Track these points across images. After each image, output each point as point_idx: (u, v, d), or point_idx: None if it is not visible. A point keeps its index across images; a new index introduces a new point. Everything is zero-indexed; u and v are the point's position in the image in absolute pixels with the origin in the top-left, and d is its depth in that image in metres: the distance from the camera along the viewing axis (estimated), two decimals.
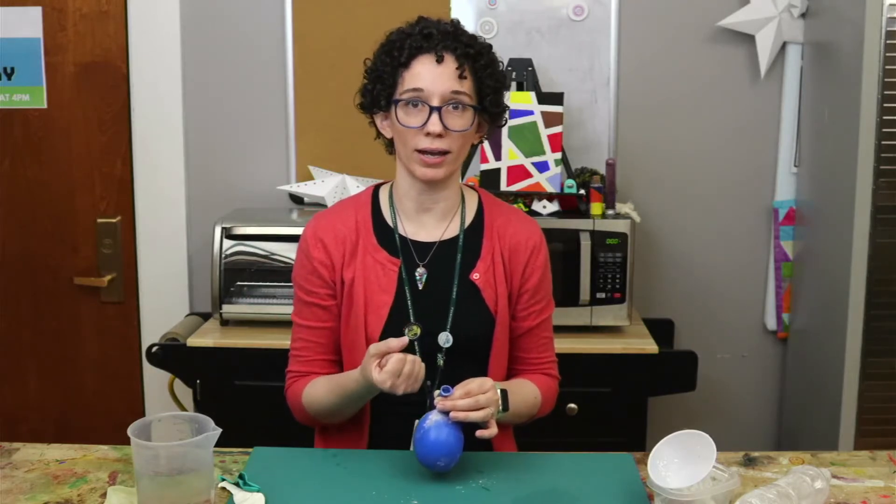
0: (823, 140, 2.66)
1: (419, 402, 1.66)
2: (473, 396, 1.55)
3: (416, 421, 1.64)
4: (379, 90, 1.71)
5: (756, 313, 3.00)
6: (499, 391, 1.62)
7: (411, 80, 1.67)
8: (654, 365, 2.48)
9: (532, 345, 1.82)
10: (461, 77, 1.67)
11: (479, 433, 1.56)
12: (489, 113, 1.74)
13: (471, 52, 1.68)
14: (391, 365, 1.55)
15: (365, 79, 1.76)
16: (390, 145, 1.78)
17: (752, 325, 3.01)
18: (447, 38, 1.68)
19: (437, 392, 1.57)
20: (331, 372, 1.79)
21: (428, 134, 1.66)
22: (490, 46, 1.74)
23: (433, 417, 1.55)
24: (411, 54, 1.68)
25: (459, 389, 1.56)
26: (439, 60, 1.66)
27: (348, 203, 1.85)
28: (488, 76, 1.71)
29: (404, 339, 1.57)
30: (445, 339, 1.74)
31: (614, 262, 2.51)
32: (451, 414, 1.54)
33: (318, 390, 1.75)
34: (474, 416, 1.55)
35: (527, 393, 1.77)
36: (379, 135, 1.79)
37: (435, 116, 1.66)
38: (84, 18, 2.86)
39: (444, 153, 1.68)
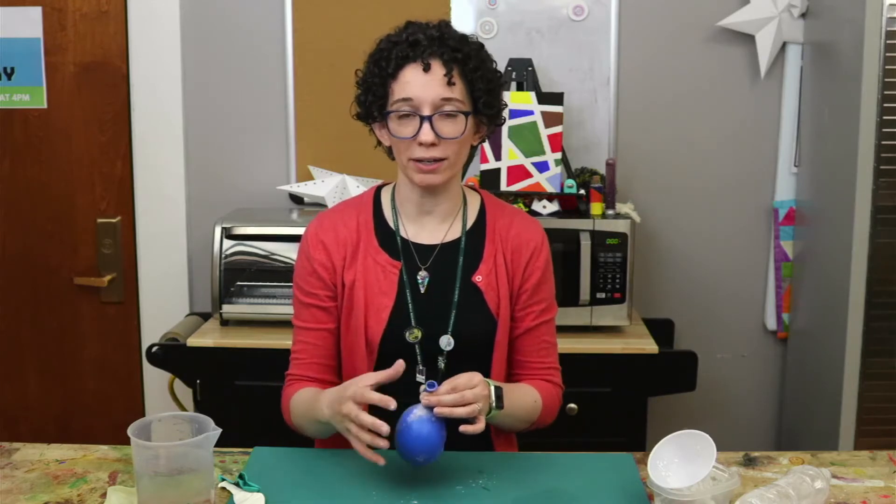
0: (823, 140, 2.66)
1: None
2: (460, 392, 1.53)
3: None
4: (371, 101, 1.71)
5: (756, 313, 3.00)
6: (493, 388, 1.60)
7: (400, 90, 1.66)
8: (654, 365, 2.48)
9: (532, 348, 1.80)
10: (450, 83, 1.65)
11: (463, 428, 1.52)
12: (485, 114, 1.73)
13: (458, 57, 1.66)
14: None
15: (357, 89, 1.75)
16: (390, 152, 1.78)
17: (752, 325, 3.01)
18: (433, 45, 1.65)
19: (422, 387, 1.54)
20: (327, 377, 1.78)
21: (421, 143, 1.66)
22: (480, 47, 1.72)
23: (417, 412, 1.52)
24: (398, 64, 1.66)
25: (446, 385, 1.54)
26: (426, 69, 1.64)
27: (350, 204, 1.84)
28: (479, 79, 1.69)
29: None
30: (447, 342, 1.73)
31: (614, 262, 2.51)
32: (436, 409, 1.51)
33: (300, 403, 1.73)
34: (459, 411, 1.51)
35: (525, 394, 1.75)
36: (379, 142, 1.79)
37: (426, 126, 1.65)
38: (84, 18, 2.86)
39: (439, 160, 1.68)
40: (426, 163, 1.67)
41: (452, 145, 1.67)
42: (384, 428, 1.48)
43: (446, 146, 1.67)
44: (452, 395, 1.52)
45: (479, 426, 1.54)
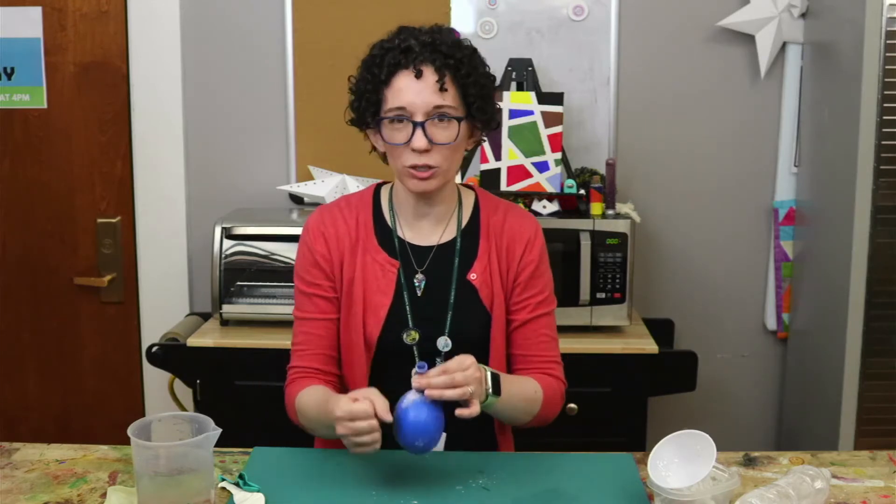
0: (823, 140, 2.66)
1: None
2: (450, 374, 1.51)
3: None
4: (365, 107, 1.71)
5: (756, 313, 3.00)
6: (488, 373, 1.59)
7: (393, 97, 1.66)
8: (654, 365, 2.48)
9: (530, 341, 1.79)
10: (442, 89, 1.65)
11: (459, 412, 1.51)
12: (478, 119, 1.73)
13: (450, 63, 1.66)
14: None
15: (351, 95, 1.75)
16: (385, 158, 1.78)
17: (752, 325, 3.01)
18: (425, 51, 1.65)
19: (413, 370, 1.53)
20: (332, 369, 1.78)
21: (414, 149, 1.66)
22: (472, 52, 1.71)
23: (410, 397, 1.51)
24: (390, 71, 1.66)
25: (437, 368, 1.53)
26: (418, 76, 1.64)
27: (350, 201, 1.84)
28: (471, 84, 1.69)
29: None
30: (444, 343, 1.73)
31: (614, 262, 2.51)
32: (427, 392, 1.49)
33: (308, 404, 1.70)
34: (450, 393, 1.50)
35: (524, 384, 1.74)
36: (374, 148, 1.79)
37: (419, 132, 1.65)
38: (84, 18, 2.86)
39: (432, 168, 1.67)
40: (420, 170, 1.67)
41: (445, 151, 1.67)
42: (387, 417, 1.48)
43: (439, 152, 1.67)
44: (442, 377, 1.50)
45: (473, 409, 1.52)
